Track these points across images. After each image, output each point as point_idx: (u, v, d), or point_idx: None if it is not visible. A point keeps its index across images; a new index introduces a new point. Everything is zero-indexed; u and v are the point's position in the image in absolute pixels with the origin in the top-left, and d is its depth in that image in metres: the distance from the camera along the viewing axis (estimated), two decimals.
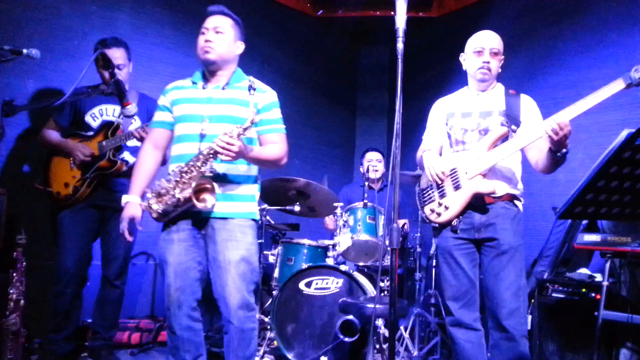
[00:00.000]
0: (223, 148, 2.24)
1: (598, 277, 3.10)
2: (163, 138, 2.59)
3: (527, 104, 2.65)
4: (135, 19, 4.24)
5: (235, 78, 2.53)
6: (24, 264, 2.86)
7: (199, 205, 2.29)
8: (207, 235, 2.44)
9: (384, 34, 5.73)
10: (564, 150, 2.36)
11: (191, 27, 4.59)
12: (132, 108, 2.48)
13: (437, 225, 2.69)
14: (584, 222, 3.34)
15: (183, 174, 2.34)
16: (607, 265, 2.73)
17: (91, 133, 3.18)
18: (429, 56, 5.42)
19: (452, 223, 2.62)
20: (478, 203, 2.57)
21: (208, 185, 2.32)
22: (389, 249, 1.98)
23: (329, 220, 4.40)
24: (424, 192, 2.79)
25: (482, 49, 2.63)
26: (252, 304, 2.45)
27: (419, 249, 4.06)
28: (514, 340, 2.45)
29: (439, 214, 2.66)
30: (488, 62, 2.62)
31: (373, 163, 4.49)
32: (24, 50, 2.44)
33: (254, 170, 2.54)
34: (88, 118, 3.23)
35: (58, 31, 3.79)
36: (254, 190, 2.55)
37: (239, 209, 2.46)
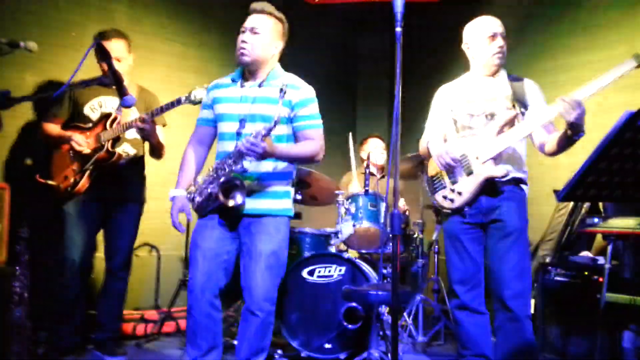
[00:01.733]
0: (248, 149, 2.25)
1: (601, 260, 3.10)
2: (206, 135, 2.64)
3: (531, 88, 2.65)
4: (132, 10, 4.22)
5: (272, 75, 2.52)
6: (27, 257, 2.87)
7: (227, 201, 2.33)
8: (242, 226, 2.48)
9: (383, 20, 5.69)
10: (582, 133, 2.36)
11: (189, 17, 4.58)
12: (130, 99, 2.47)
13: (449, 211, 2.69)
14: (587, 204, 3.33)
15: (218, 171, 2.40)
16: (610, 247, 2.73)
17: (90, 125, 3.17)
18: (430, 41, 5.37)
19: (464, 210, 2.63)
20: (486, 187, 2.57)
21: (237, 182, 2.36)
22: (390, 235, 1.97)
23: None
24: (434, 179, 2.78)
25: (495, 33, 2.61)
26: (274, 298, 2.48)
27: (420, 236, 4.06)
28: (518, 321, 2.48)
29: (452, 200, 2.65)
30: (503, 46, 2.62)
31: (380, 150, 4.47)
32: (21, 43, 2.42)
33: (287, 167, 2.55)
34: (87, 110, 3.23)
35: (56, 23, 3.77)
36: (288, 187, 2.57)
37: (273, 206, 2.49)
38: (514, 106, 2.58)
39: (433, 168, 2.77)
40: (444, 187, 2.70)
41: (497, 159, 2.55)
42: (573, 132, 2.36)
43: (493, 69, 2.66)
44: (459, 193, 2.62)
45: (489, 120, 2.61)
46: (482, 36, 2.63)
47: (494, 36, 2.61)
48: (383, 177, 4.47)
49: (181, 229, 2.49)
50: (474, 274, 2.63)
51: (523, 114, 2.56)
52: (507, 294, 2.50)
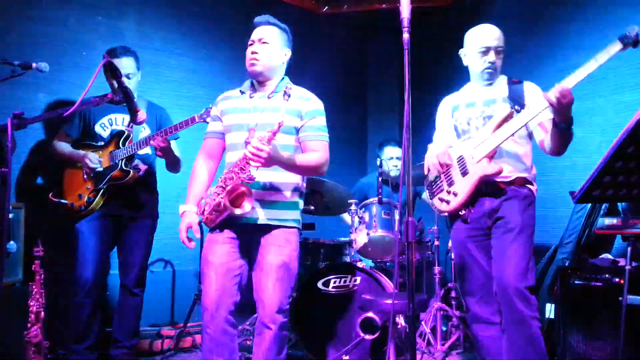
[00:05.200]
0: (252, 154, 2.24)
1: (621, 262, 3.04)
2: (215, 147, 2.64)
3: (531, 89, 2.62)
4: (141, 27, 4.26)
5: (281, 86, 2.54)
6: (43, 276, 2.89)
7: (234, 210, 2.31)
8: (252, 239, 2.47)
9: (392, 28, 5.69)
10: (569, 122, 2.29)
11: (198, 31, 4.62)
12: (141, 115, 2.49)
13: (447, 214, 2.67)
14: (604, 206, 3.28)
15: (226, 180, 2.39)
16: (630, 248, 2.67)
17: (102, 143, 3.19)
18: (439, 47, 5.35)
19: (461, 212, 2.58)
20: (488, 188, 2.54)
21: (244, 189, 2.34)
22: (405, 243, 1.94)
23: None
24: (432, 184, 2.76)
25: (487, 49, 2.59)
26: (287, 310, 2.46)
27: (436, 242, 4.02)
28: (523, 323, 2.40)
29: (447, 202, 2.62)
30: (494, 63, 2.60)
31: (394, 162, 4.36)
32: (33, 64, 2.46)
33: (295, 178, 2.53)
34: (98, 128, 3.25)
35: (66, 43, 3.82)
36: (296, 197, 2.56)
37: (280, 217, 2.47)
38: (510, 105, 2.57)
39: (432, 172, 2.77)
40: (442, 190, 2.67)
41: (493, 158, 2.52)
42: (559, 120, 2.29)
43: (485, 82, 2.67)
44: (454, 194, 2.59)
45: (487, 123, 2.60)
46: (474, 49, 2.63)
47: (486, 51, 2.59)
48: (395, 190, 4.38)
49: (190, 245, 2.46)
50: (483, 284, 2.58)
51: (518, 111, 2.52)
52: (510, 294, 2.41)
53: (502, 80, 2.69)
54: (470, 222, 2.58)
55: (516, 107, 2.52)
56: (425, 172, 2.80)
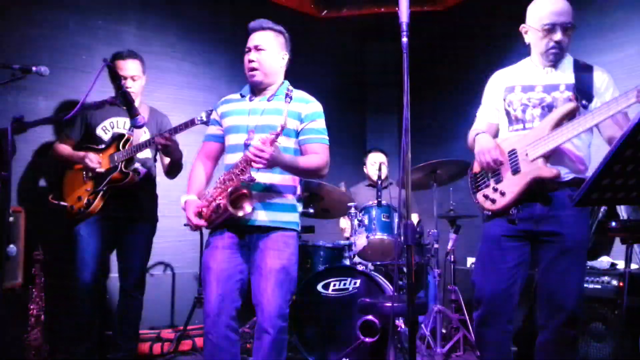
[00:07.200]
0: (255, 155, 2.24)
1: (620, 264, 3.05)
2: (213, 150, 2.65)
3: (601, 78, 2.33)
4: (141, 31, 4.28)
5: (282, 90, 2.53)
6: (43, 279, 2.90)
7: (235, 211, 2.31)
8: (251, 242, 2.47)
9: (390, 31, 5.69)
10: None
11: (197, 35, 4.63)
12: (140, 119, 2.49)
13: (489, 213, 2.41)
14: (603, 208, 3.28)
15: (225, 182, 2.38)
16: (629, 251, 2.68)
17: (103, 146, 3.20)
18: (437, 51, 5.38)
19: (510, 212, 2.32)
20: (539, 190, 2.27)
21: (244, 191, 2.34)
22: (404, 246, 1.94)
23: (343, 223, 4.43)
24: (477, 176, 2.51)
25: (553, 25, 2.28)
26: (287, 314, 2.45)
27: (435, 245, 4.02)
28: (571, 347, 2.27)
29: (493, 201, 2.37)
30: (560, 42, 2.30)
31: (376, 166, 4.46)
32: (33, 68, 2.46)
33: (293, 181, 2.53)
34: (99, 131, 3.25)
35: (66, 47, 3.83)
36: (295, 200, 2.55)
37: (280, 219, 2.46)
38: (576, 98, 2.27)
39: (478, 165, 2.50)
40: (488, 186, 2.42)
41: (551, 157, 2.25)
42: None
43: (548, 63, 2.39)
44: (502, 193, 2.33)
45: (546, 113, 2.32)
46: (537, 25, 2.32)
47: (551, 29, 2.29)
48: (385, 187, 4.43)
49: (202, 223, 2.42)
50: (506, 288, 2.34)
51: (585, 107, 2.25)
52: (563, 317, 2.23)
53: (568, 63, 2.40)
54: (517, 222, 2.34)
55: (584, 101, 2.25)
56: (475, 168, 2.54)
